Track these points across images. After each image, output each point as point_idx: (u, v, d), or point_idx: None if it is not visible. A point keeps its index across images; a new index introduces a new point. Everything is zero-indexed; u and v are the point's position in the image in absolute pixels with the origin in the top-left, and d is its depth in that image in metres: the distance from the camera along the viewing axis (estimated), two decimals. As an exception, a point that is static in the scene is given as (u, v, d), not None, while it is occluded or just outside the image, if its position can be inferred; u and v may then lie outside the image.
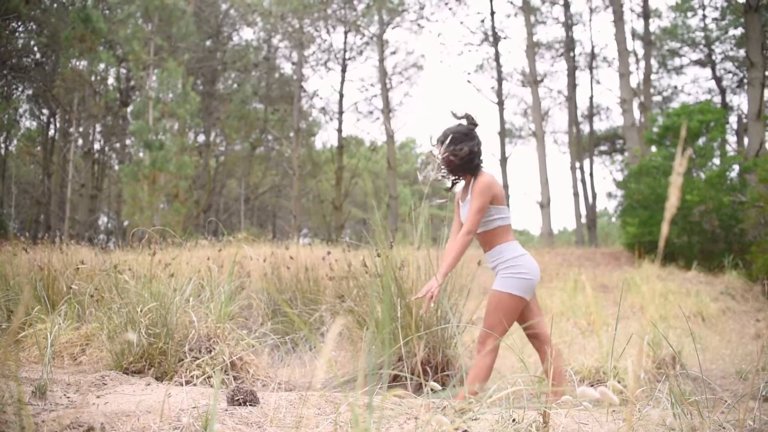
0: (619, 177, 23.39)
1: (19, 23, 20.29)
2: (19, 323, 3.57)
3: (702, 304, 7.64)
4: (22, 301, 3.54)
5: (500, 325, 2.72)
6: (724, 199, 11.02)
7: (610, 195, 28.07)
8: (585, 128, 25.59)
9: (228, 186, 29.49)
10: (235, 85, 25.62)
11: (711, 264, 10.62)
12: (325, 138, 44.43)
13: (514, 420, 1.72)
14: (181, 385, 2.69)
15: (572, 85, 21.98)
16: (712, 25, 23.22)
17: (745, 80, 18.26)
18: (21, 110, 24.15)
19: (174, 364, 2.95)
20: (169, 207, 18.77)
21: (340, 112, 23.30)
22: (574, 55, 22.90)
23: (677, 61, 24.95)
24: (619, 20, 17.35)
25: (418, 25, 22.47)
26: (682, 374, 3.66)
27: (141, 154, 18.40)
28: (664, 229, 0.88)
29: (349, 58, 23.57)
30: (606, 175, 46.46)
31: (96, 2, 19.23)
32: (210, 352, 3.04)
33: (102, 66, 19.64)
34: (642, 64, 21.87)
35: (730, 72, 23.78)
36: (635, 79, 22.02)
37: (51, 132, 25.58)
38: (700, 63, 24.19)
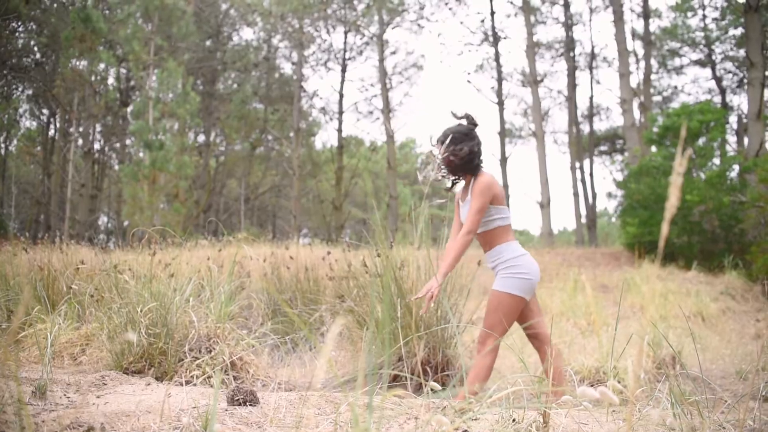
0: (619, 177, 23.41)
1: (19, 23, 20.29)
2: (19, 323, 3.57)
3: (702, 304, 7.64)
4: (22, 301, 3.54)
5: (500, 325, 2.72)
6: (724, 199, 11.02)
7: (610, 195, 28.08)
8: (585, 128, 25.60)
9: (228, 186, 29.49)
10: (235, 85, 25.62)
11: (711, 264, 10.62)
12: (325, 138, 44.50)
13: (514, 420, 1.72)
14: (181, 385, 2.69)
15: (572, 85, 21.98)
16: (712, 25, 23.24)
17: (745, 80, 18.26)
18: (21, 110, 24.17)
19: (174, 364, 2.95)
20: (169, 207, 18.77)
21: (340, 112, 23.30)
22: (574, 55, 22.90)
23: (677, 61, 24.96)
24: (619, 20, 17.35)
25: (418, 25, 22.47)
26: (682, 374, 3.66)
27: (141, 154, 18.41)
28: (664, 229, 0.88)
29: (349, 58, 23.57)
30: (606, 175, 46.51)
31: (96, 2, 19.22)
32: (210, 352, 3.04)
33: (102, 66, 19.64)
34: (642, 64, 21.89)
35: (730, 72, 23.79)
36: (635, 79, 22.05)
37: (51, 132, 25.61)
38: (700, 63, 24.19)
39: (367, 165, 26.23)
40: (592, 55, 23.54)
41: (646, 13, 20.40)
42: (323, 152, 27.29)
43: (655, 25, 24.73)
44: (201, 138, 26.28)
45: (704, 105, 12.62)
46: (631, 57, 20.82)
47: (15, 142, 25.65)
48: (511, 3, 21.64)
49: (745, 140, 16.71)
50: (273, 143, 27.26)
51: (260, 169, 28.49)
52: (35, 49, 22.05)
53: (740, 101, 25.98)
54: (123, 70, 22.42)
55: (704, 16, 23.31)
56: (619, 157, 26.28)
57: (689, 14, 23.58)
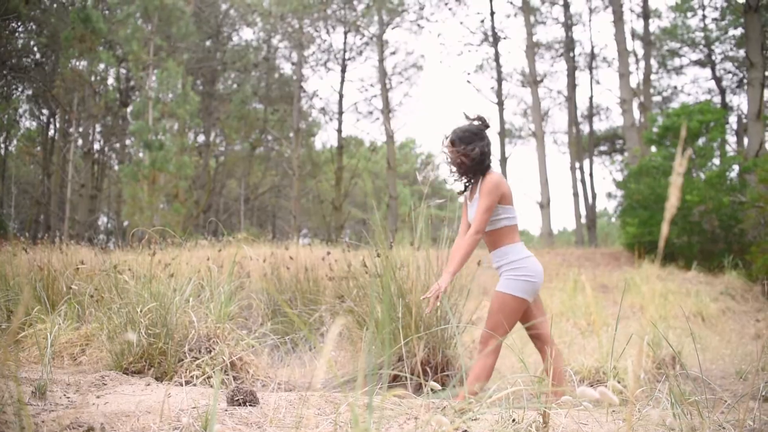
0: (619, 177, 23.41)
1: (19, 23, 20.29)
2: (19, 323, 3.57)
3: (702, 304, 7.64)
4: (22, 301, 3.54)
5: (502, 326, 2.72)
6: (724, 199, 11.02)
7: (610, 195, 28.09)
8: (585, 128, 25.60)
9: (228, 186, 29.49)
10: (235, 86, 25.62)
11: (711, 264, 10.62)
12: (325, 138, 44.48)
13: (514, 420, 1.72)
14: (181, 385, 2.69)
15: (572, 86, 21.98)
16: (712, 26, 23.24)
17: (745, 80, 18.26)
18: (21, 110, 24.15)
19: (174, 364, 2.95)
20: (169, 207, 18.77)
21: (340, 113, 23.30)
22: (574, 56, 22.90)
23: (677, 62, 24.96)
24: (618, 20, 17.36)
25: (418, 25, 22.47)
26: (682, 374, 3.66)
27: (141, 154, 18.41)
28: (664, 229, 0.88)
29: (349, 59, 23.57)
30: (606, 176, 46.48)
31: (96, 2, 19.23)
32: (210, 352, 3.04)
33: (102, 66, 19.65)
34: (642, 64, 21.89)
35: (730, 72, 23.79)
36: (635, 79, 22.05)
37: (51, 132, 25.60)
38: (699, 63, 24.19)
39: (366, 165, 26.23)
40: (592, 56, 23.54)
41: (646, 13, 20.40)
42: (323, 152, 27.29)
43: (654, 25, 24.77)
44: (201, 138, 26.31)
45: (704, 105, 12.62)
46: (630, 57, 20.83)
47: (15, 142, 25.64)
48: (511, 3, 21.65)
49: (745, 140, 16.72)
50: (273, 143, 27.26)
51: (260, 170, 28.49)
52: (35, 49, 22.05)
53: (740, 101, 25.99)
54: (123, 70, 22.43)
55: (704, 17, 23.32)
56: (618, 158, 26.28)
57: (689, 14, 23.59)
